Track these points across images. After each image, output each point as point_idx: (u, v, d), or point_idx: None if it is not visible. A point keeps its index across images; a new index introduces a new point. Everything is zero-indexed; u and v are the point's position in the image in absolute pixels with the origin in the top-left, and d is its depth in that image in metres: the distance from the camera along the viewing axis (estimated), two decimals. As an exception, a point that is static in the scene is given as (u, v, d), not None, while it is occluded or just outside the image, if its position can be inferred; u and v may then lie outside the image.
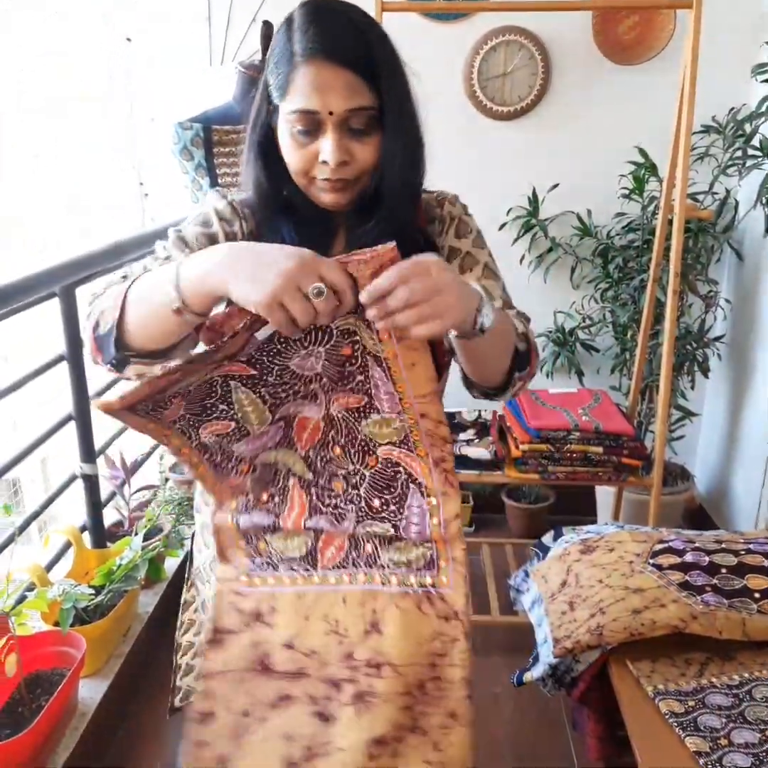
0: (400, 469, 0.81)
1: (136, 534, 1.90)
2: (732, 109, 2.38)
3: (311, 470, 0.83)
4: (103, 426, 2.09)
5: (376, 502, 0.81)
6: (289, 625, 0.82)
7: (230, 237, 0.95)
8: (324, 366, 0.78)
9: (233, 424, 0.80)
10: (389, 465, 0.81)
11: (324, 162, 0.85)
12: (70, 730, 1.60)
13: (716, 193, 2.40)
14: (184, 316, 0.74)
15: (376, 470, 0.81)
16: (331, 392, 0.80)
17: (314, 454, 0.82)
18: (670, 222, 2.04)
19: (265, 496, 0.83)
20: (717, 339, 2.53)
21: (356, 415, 0.80)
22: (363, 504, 0.82)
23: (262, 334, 0.74)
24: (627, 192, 2.41)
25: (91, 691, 1.72)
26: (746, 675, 1.23)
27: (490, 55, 2.46)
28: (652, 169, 2.32)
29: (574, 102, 2.51)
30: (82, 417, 1.94)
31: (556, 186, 2.53)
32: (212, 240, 0.94)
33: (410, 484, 0.81)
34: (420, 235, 0.98)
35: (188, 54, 2.56)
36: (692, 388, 2.59)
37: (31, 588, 1.68)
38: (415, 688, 0.79)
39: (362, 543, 0.82)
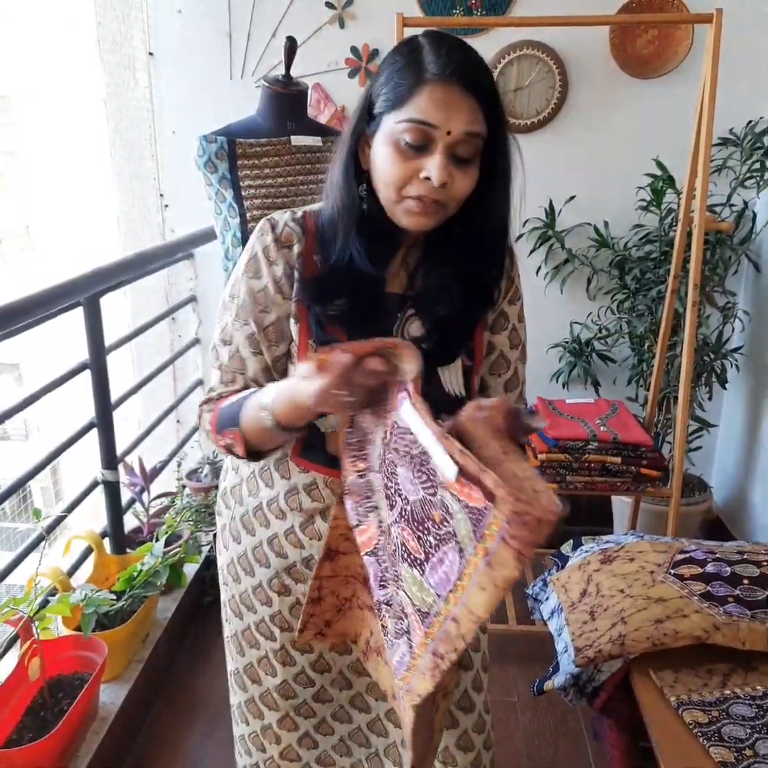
0: (405, 622, 0.83)
1: (157, 540, 1.92)
2: (750, 121, 2.39)
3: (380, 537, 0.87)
4: (121, 434, 2.11)
5: (390, 624, 0.87)
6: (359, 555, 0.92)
7: (283, 273, 0.98)
8: (414, 501, 0.77)
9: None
10: (400, 609, 0.84)
11: (426, 178, 0.85)
12: (91, 734, 1.61)
13: (734, 205, 2.40)
14: (288, 432, 0.91)
15: (396, 599, 0.85)
16: (404, 520, 0.79)
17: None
18: (689, 234, 2.05)
19: (356, 498, 0.90)
20: (735, 350, 2.53)
21: (404, 555, 0.79)
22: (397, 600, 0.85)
23: (403, 409, 0.78)
24: (644, 204, 2.42)
25: (111, 696, 1.73)
26: (770, 686, 1.23)
27: (508, 69, 2.49)
28: (670, 181, 2.33)
29: (591, 115, 2.53)
30: (104, 424, 1.96)
31: (572, 198, 2.54)
32: (265, 295, 0.99)
33: (406, 637, 0.83)
34: (488, 277, 1.00)
35: (209, 68, 2.60)
36: (710, 399, 2.59)
37: (53, 593, 1.70)
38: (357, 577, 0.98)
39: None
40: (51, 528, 1.72)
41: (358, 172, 0.93)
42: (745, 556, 1.46)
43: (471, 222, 0.94)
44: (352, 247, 0.94)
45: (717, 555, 1.47)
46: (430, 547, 0.75)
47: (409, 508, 0.77)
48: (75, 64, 2.54)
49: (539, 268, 2.62)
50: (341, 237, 0.94)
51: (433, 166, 0.85)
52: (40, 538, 1.62)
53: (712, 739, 1.11)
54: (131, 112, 2.61)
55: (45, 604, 1.61)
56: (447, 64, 0.84)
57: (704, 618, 1.29)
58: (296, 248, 0.97)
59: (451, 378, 0.99)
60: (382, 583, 0.87)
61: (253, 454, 0.97)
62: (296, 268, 0.97)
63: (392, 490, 0.81)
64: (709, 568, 1.42)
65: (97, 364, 1.92)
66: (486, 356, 1.06)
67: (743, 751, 1.08)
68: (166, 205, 2.77)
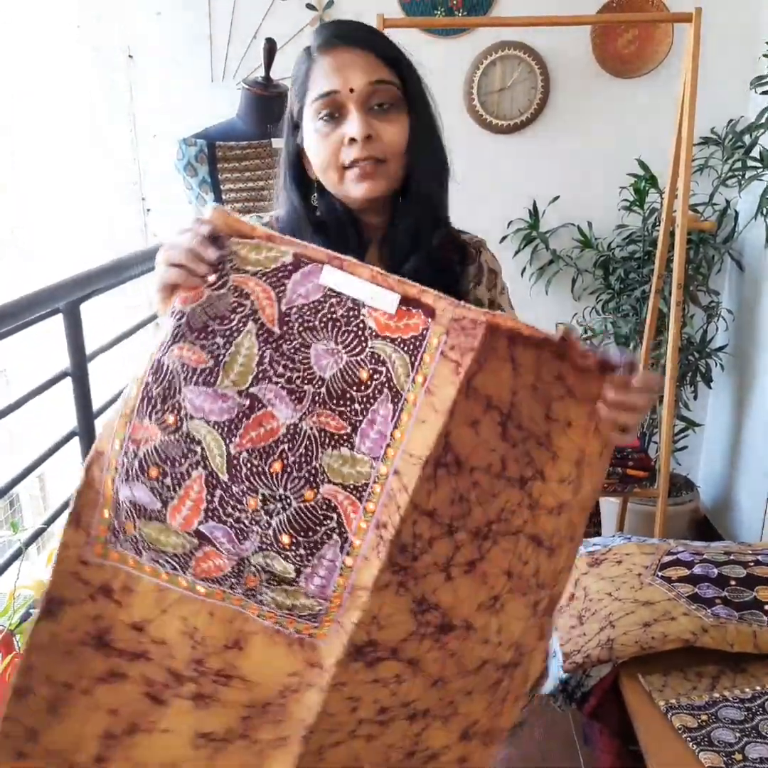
0: (334, 515, 0.72)
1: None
2: (730, 120, 2.40)
3: (229, 473, 0.72)
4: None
5: (286, 538, 0.73)
6: (143, 610, 0.74)
7: None
8: (333, 376, 0.73)
9: (212, 362, 0.72)
10: (324, 507, 0.73)
11: (351, 140, 0.85)
12: (75, 749, 1.58)
13: (716, 205, 2.41)
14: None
15: (305, 506, 0.73)
16: (319, 405, 0.73)
17: (247, 459, 0.72)
18: (672, 233, 2.05)
19: (154, 472, 0.73)
20: (719, 349, 2.54)
21: (325, 440, 0.73)
22: (270, 532, 0.73)
23: (325, 276, 0.72)
24: (627, 204, 2.42)
25: (96, 710, 1.70)
26: (758, 688, 1.22)
27: (490, 69, 2.48)
28: (653, 181, 2.33)
29: (573, 115, 2.53)
30: (86, 433, 1.93)
31: (556, 198, 2.54)
32: None
33: (334, 535, 0.72)
34: (454, 248, 0.98)
35: (190, 71, 2.57)
36: (695, 398, 2.59)
37: (35, 605, 1.67)
38: (260, 704, 0.75)
39: (246, 573, 0.74)
40: (30, 541, 1.69)
41: (307, 183, 0.94)
42: (731, 557, 1.45)
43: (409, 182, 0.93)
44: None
45: (704, 556, 1.47)
46: (356, 414, 0.72)
47: (323, 389, 0.73)
48: (53, 67, 2.51)
49: (524, 269, 2.61)
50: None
51: (351, 124, 0.85)
52: (20, 551, 1.59)
53: (702, 743, 1.10)
54: (111, 116, 2.58)
55: (27, 616, 1.58)
56: (327, 35, 0.87)
57: (692, 620, 1.29)
58: None
59: None
60: (242, 534, 0.73)
61: None
62: None
63: (298, 381, 0.72)
64: (697, 569, 1.42)
65: (78, 371, 1.89)
66: None
67: (732, 756, 1.08)
68: (148, 210, 2.74)
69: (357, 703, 0.74)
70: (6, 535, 1.54)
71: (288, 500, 0.73)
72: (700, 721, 1.15)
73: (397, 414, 0.71)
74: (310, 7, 2.49)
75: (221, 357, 0.72)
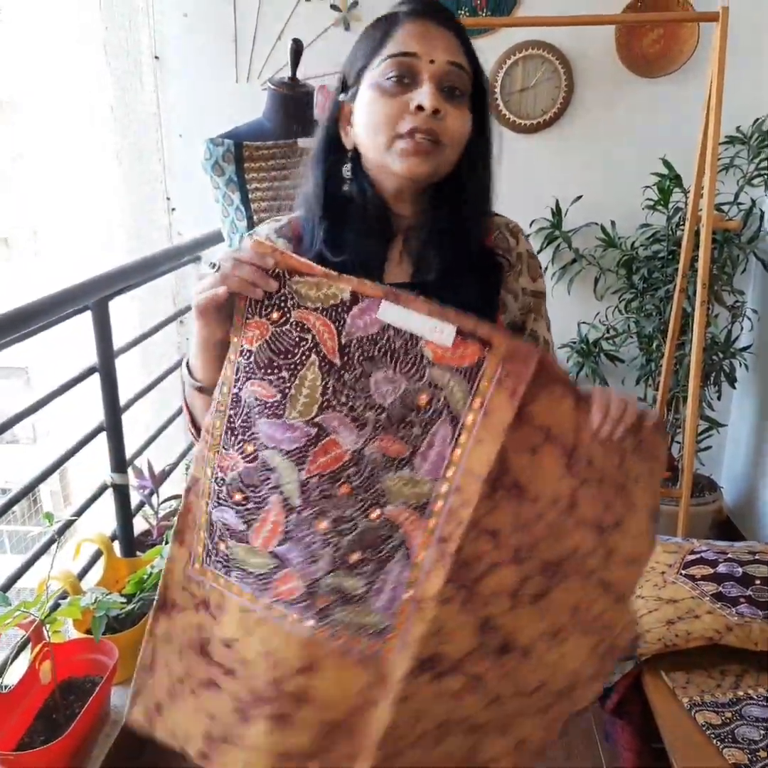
0: (398, 533, 0.77)
1: (167, 543, 1.92)
2: (757, 119, 2.38)
3: (302, 498, 0.78)
4: (130, 437, 2.12)
5: (355, 557, 0.77)
6: (231, 629, 0.81)
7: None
8: (393, 402, 0.76)
9: (279, 396, 0.76)
10: (388, 526, 0.77)
11: (418, 108, 0.80)
12: (103, 737, 1.61)
13: (742, 204, 2.39)
14: (204, 392, 0.84)
15: (372, 525, 0.77)
16: (380, 431, 0.76)
17: (316, 484, 0.77)
18: (697, 233, 2.04)
19: (239, 497, 0.79)
20: (744, 349, 2.52)
21: (388, 463, 0.77)
22: (340, 553, 0.77)
23: (383, 311, 0.74)
24: (651, 203, 2.41)
25: (122, 699, 1.73)
26: (783, 687, 1.22)
27: (513, 69, 2.49)
28: (677, 180, 2.32)
29: (597, 114, 2.53)
30: (113, 428, 1.97)
31: (579, 198, 2.53)
32: None
33: (399, 551, 0.77)
34: (487, 253, 0.94)
35: (216, 71, 2.61)
36: (719, 398, 2.58)
37: (63, 596, 1.70)
38: (331, 724, 0.81)
39: (318, 595, 0.78)
40: (61, 531, 1.73)
41: (340, 153, 0.89)
42: (756, 557, 1.45)
43: (459, 184, 0.89)
44: (317, 231, 0.88)
45: (728, 555, 1.46)
46: (416, 439, 0.76)
47: (384, 415, 0.76)
48: (82, 70, 2.55)
49: (546, 268, 2.61)
50: (312, 224, 0.90)
51: (423, 93, 0.80)
52: (51, 542, 1.63)
53: (726, 740, 1.10)
54: (138, 117, 2.62)
55: (56, 607, 1.61)
56: (417, 5, 0.85)
57: (716, 619, 1.29)
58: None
59: None
60: (314, 555, 0.78)
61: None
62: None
63: (360, 408, 0.76)
64: (721, 568, 1.42)
65: (105, 368, 1.93)
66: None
67: (757, 753, 1.08)
68: (173, 209, 2.78)
69: (419, 717, 0.79)
70: (34, 528, 1.57)
71: (355, 521, 0.77)
72: (724, 718, 1.15)
73: (455, 436, 0.75)
74: (334, 7, 2.51)
75: (287, 390, 0.77)
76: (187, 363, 0.86)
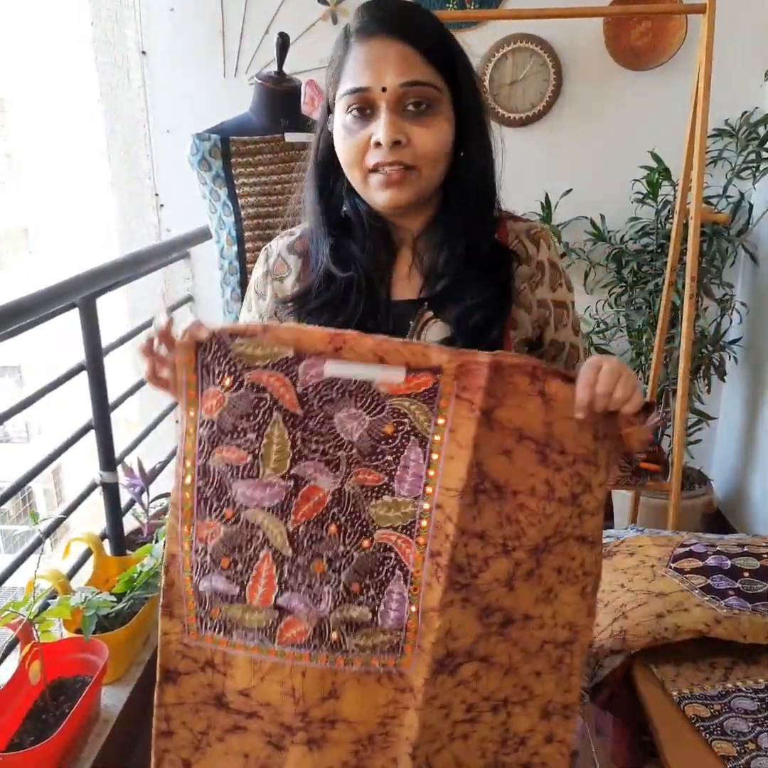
0: (392, 554, 0.80)
1: (157, 541, 1.91)
2: (745, 112, 2.38)
3: (293, 547, 0.80)
4: (120, 435, 2.11)
5: (355, 587, 0.80)
6: (245, 680, 0.83)
7: (270, 307, 0.95)
8: (360, 436, 0.78)
9: (250, 457, 0.78)
10: (381, 549, 0.80)
11: (376, 144, 0.79)
12: (93, 737, 1.61)
13: (730, 197, 2.40)
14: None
15: (366, 554, 0.80)
16: (354, 465, 0.79)
17: (304, 531, 0.79)
18: (685, 226, 2.04)
19: (225, 562, 0.80)
20: (733, 342, 2.53)
21: (368, 493, 0.79)
22: (341, 588, 0.80)
23: (329, 370, 0.76)
24: (640, 196, 2.41)
25: (113, 699, 1.72)
26: (772, 679, 1.22)
27: (502, 62, 2.48)
28: (666, 173, 2.32)
29: (586, 108, 2.52)
30: (102, 426, 1.96)
31: (569, 191, 2.53)
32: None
33: (396, 571, 0.80)
34: (501, 254, 0.90)
35: (202, 66, 2.59)
36: (708, 391, 2.59)
37: (53, 595, 1.69)
38: (366, 737, 0.83)
39: (328, 631, 0.81)
40: (49, 531, 1.72)
41: (337, 171, 0.87)
42: (745, 549, 1.45)
43: (457, 190, 0.87)
44: (322, 247, 0.87)
45: (717, 548, 1.47)
46: (390, 465, 0.79)
47: (354, 450, 0.79)
48: (69, 65, 2.53)
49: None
50: (317, 239, 0.89)
51: (379, 127, 0.78)
52: (39, 541, 1.62)
53: (715, 733, 1.11)
54: (125, 112, 2.60)
55: (45, 607, 1.60)
56: (368, 19, 0.80)
57: (705, 612, 1.29)
58: (289, 280, 0.93)
59: None
60: (315, 597, 0.81)
61: None
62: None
63: (331, 450, 0.79)
64: (710, 561, 1.42)
65: (94, 365, 1.92)
66: (555, 357, 0.99)
67: (746, 745, 1.08)
68: (162, 205, 2.76)
69: (449, 709, 0.83)
70: (23, 528, 1.56)
71: (350, 554, 0.80)
72: (713, 710, 1.15)
73: (426, 455, 0.78)
74: (322, 1, 2.50)
75: (257, 450, 0.78)
76: None
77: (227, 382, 0.77)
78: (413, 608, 0.79)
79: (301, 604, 0.80)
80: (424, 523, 0.78)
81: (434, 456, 0.77)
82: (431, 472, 0.78)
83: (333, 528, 0.79)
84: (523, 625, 0.83)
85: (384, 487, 0.79)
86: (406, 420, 0.77)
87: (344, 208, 0.88)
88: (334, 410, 0.78)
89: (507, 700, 0.86)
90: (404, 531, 0.79)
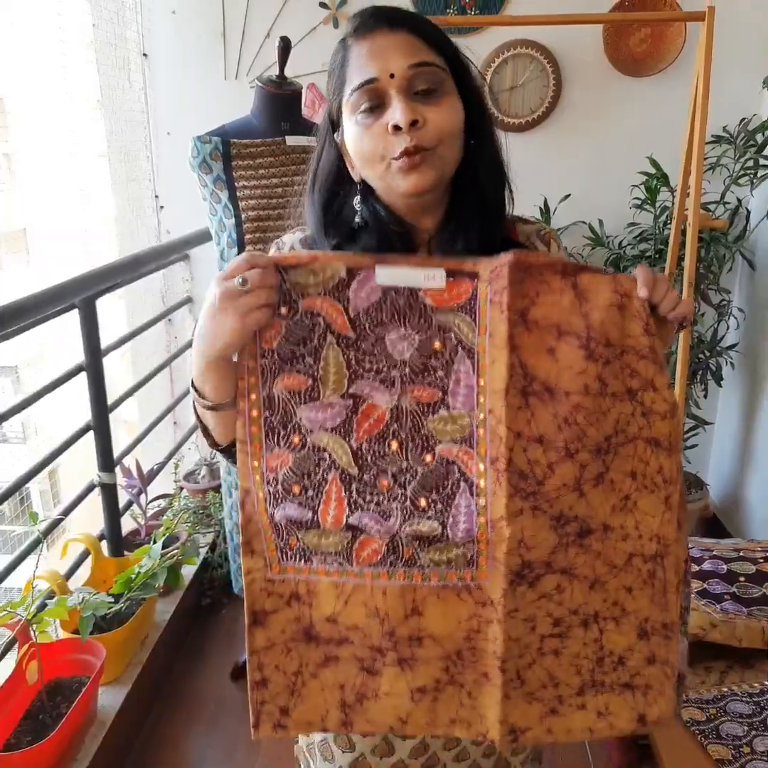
0: (455, 467, 0.82)
1: (155, 542, 1.91)
2: (743, 119, 2.40)
3: (358, 465, 0.83)
4: (118, 436, 2.11)
5: (423, 502, 0.82)
6: (330, 606, 0.86)
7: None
8: (412, 355, 0.82)
9: (310, 381, 0.82)
10: (444, 463, 0.82)
11: (395, 128, 0.79)
12: (89, 737, 1.61)
13: (728, 203, 2.41)
14: (219, 410, 0.84)
15: (429, 469, 0.82)
16: (408, 383, 0.82)
17: (367, 448, 0.83)
18: (683, 231, 2.05)
19: (297, 489, 0.83)
20: (730, 348, 2.54)
21: (425, 409, 0.82)
22: (408, 503, 0.82)
23: (379, 276, 0.79)
24: (639, 202, 2.43)
25: (110, 699, 1.73)
26: (767, 683, 1.23)
27: (502, 68, 2.49)
28: (664, 179, 2.33)
29: (585, 113, 2.54)
30: (101, 427, 1.96)
31: (567, 196, 2.54)
32: None
33: (461, 483, 0.82)
34: (514, 248, 0.89)
35: (204, 69, 2.60)
36: (705, 396, 2.60)
37: (50, 596, 1.70)
38: (453, 653, 0.85)
39: (401, 547, 0.83)
40: (47, 531, 1.72)
41: (348, 187, 0.89)
42: (741, 554, 1.46)
43: (471, 170, 0.87)
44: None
45: (713, 553, 1.47)
46: (442, 380, 0.82)
47: (407, 369, 0.82)
48: (70, 67, 2.54)
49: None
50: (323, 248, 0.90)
51: (394, 111, 0.79)
52: (37, 542, 1.62)
53: (710, 736, 1.11)
54: (126, 114, 2.61)
55: (43, 607, 1.61)
56: (366, 18, 0.82)
57: (701, 616, 1.30)
58: None
59: None
60: (385, 513, 0.83)
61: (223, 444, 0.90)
62: None
63: (385, 369, 0.82)
64: (706, 565, 1.43)
65: (93, 366, 1.92)
66: None
67: (740, 749, 1.09)
68: (162, 207, 2.77)
69: (534, 623, 0.84)
70: (21, 528, 1.57)
71: (414, 469, 0.82)
72: (708, 714, 1.15)
73: (476, 365, 0.81)
74: (323, 5, 2.51)
75: (316, 373, 0.82)
76: (193, 385, 0.86)
77: (283, 311, 0.81)
78: (482, 520, 0.81)
79: (372, 521, 0.82)
80: (481, 431, 0.80)
81: (481, 364, 0.80)
82: (481, 382, 0.80)
83: (395, 444, 0.82)
84: (603, 536, 0.83)
85: (439, 402, 0.82)
86: (451, 334, 0.81)
87: (357, 219, 0.89)
88: (384, 332, 0.81)
89: (597, 615, 0.85)
90: (464, 442, 0.81)
